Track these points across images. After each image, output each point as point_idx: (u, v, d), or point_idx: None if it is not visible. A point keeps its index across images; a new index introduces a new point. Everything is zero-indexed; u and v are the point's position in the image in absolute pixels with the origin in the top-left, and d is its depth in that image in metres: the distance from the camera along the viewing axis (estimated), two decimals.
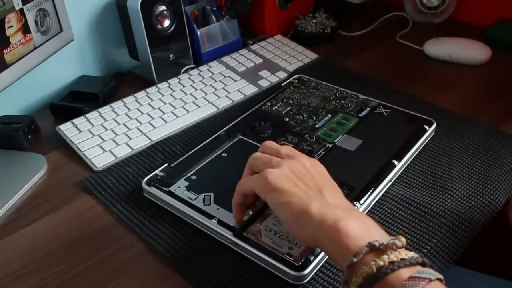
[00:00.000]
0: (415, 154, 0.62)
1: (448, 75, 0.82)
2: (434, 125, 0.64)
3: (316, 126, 0.65)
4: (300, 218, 0.42)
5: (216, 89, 0.77)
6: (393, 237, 0.39)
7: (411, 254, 0.37)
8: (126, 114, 0.72)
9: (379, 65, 0.85)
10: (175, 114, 0.72)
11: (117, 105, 0.74)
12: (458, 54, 0.84)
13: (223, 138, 0.63)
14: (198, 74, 0.81)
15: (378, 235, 0.39)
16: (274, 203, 0.44)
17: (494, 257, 0.93)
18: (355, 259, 0.37)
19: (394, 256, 0.37)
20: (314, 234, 0.41)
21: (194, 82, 0.79)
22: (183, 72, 0.82)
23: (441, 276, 0.36)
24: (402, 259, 0.36)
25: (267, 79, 0.80)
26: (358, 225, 0.40)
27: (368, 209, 0.54)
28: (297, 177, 0.45)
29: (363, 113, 0.67)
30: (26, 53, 0.64)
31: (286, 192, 0.43)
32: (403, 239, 0.38)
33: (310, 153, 0.60)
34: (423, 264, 0.37)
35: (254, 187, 0.46)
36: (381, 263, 0.36)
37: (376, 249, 0.37)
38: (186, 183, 0.56)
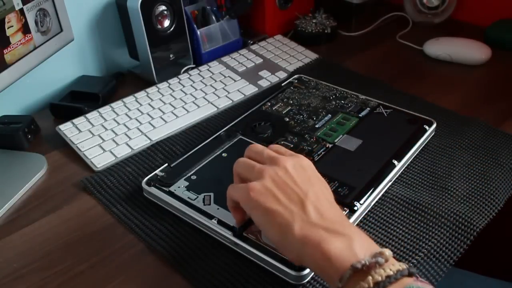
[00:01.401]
0: (415, 154, 0.62)
1: (448, 75, 0.82)
2: (434, 125, 0.64)
3: (316, 126, 0.65)
4: (285, 239, 0.42)
5: (216, 89, 0.77)
6: (377, 252, 0.38)
7: (397, 266, 0.37)
8: (126, 114, 0.72)
9: (379, 65, 0.85)
10: (175, 114, 0.72)
11: (117, 105, 0.74)
12: (458, 54, 0.84)
13: (223, 138, 0.63)
14: (198, 74, 0.81)
15: (362, 252, 0.38)
16: (258, 222, 0.44)
17: (492, 258, 0.93)
18: (340, 284, 0.37)
19: (378, 275, 0.36)
20: (299, 254, 0.41)
21: (194, 82, 0.79)
22: (183, 72, 0.82)
23: (431, 287, 0.36)
24: (387, 276, 0.36)
25: (267, 79, 0.81)
26: (341, 245, 0.39)
27: (368, 209, 0.54)
28: (279, 188, 0.44)
29: (363, 113, 0.67)
30: (26, 53, 0.64)
31: (269, 211, 0.43)
32: (387, 253, 0.37)
33: (310, 153, 0.60)
34: (410, 275, 0.37)
35: (238, 199, 0.46)
36: (366, 285, 0.36)
37: (359, 271, 0.37)
38: (186, 183, 0.56)
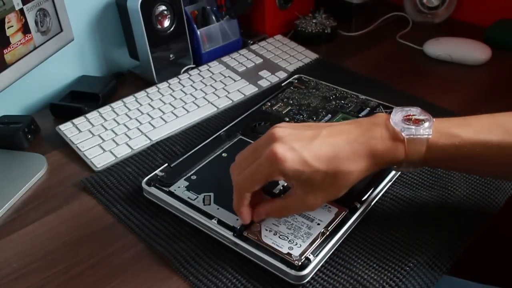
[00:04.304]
0: None
1: (448, 75, 0.82)
2: None
3: None
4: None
5: (216, 89, 0.77)
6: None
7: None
8: (126, 114, 0.72)
9: (379, 65, 0.85)
10: (175, 114, 0.72)
11: (117, 105, 0.74)
12: (458, 54, 0.84)
13: (223, 138, 0.63)
14: (198, 74, 0.81)
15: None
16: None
17: (485, 265, 0.93)
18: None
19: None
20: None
21: (194, 82, 0.79)
22: (183, 72, 0.82)
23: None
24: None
25: (267, 79, 0.81)
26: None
27: (368, 209, 0.54)
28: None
29: (363, 113, 0.67)
30: (26, 53, 0.64)
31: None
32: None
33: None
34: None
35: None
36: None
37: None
38: (186, 183, 0.56)
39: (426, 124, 0.46)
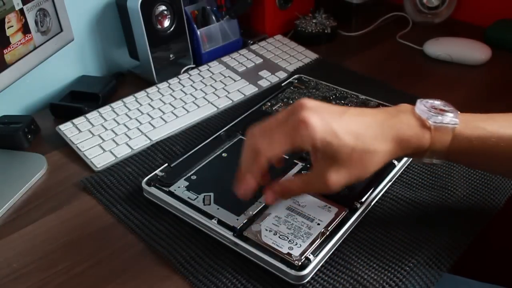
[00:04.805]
0: None
1: (448, 75, 0.82)
2: None
3: None
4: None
5: (216, 89, 0.77)
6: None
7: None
8: (126, 114, 0.72)
9: (379, 65, 0.85)
10: (175, 114, 0.72)
11: (117, 105, 0.74)
12: (458, 54, 0.84)
13: (223, 138, 0.63)
14: (198, 74, 0.81)
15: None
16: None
17: (487, 263, 0.93)
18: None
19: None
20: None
21: (194, 82, 0.79)
22: (183, 72, 0.82)
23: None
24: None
25: (267, 79, 0.80)
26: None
27: (368, 209, 0.54)
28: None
29: None
30: (26, 53, 0.64)
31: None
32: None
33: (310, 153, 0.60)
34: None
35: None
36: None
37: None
38: (186, 183, 0.56)
39: (452, 114, 0.46)
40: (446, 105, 0.47)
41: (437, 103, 0.47)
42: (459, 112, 0.47)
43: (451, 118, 0.45)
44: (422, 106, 0.46)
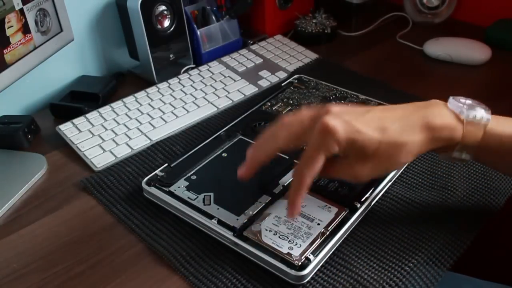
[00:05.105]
0: None
1: (448, 75, 0.82)
2: None
3: None
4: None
5: (216, 89, 0.77)
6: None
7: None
8: (126, 114, 0.72)
9: (379, 65, 0.85)
10: (175, 114, 0.72)
11: (117, 105, 0.74)
12: (458, 54, 0.84)
13: (223, 138, 0.63)
14: (198, 74, 0.81)
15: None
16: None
17: (489, 260, 0.93)
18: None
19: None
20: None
21: (194, 82, 0.79)
22: (183, 72, 0.82)
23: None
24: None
25: (267, 79, 0.80)
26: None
27: (368, 209, 0.54)
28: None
29: None
30: (26, 53, 0.64)
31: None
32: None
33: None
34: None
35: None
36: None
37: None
38: (186, 183, 0.56)
39: (484, 111, 0.46)
40: (478, 104, 0.47)
41: (469, 102, 0.47)
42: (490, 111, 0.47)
43: (483, 114, 0.46)
44: (455, 101, 0.47)
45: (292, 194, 0.45)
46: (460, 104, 0.47)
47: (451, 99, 0.48)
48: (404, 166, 0.60)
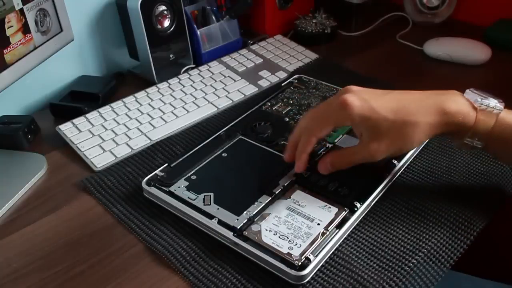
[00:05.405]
0: (415, 154, 0.62)
1: (448, 75, 0.82)
2: None
3: None
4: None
5: (216, 89, 0.77)
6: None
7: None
8: (126, 114, 0.72)
9: (379, 65, 0.85)
10: (175, 114, 0.72)
11: (117, 105, 0.74)
12: (458, 54, 0.84)
13: (223, 138, 0.63)
14: (198, 74, 0.81)
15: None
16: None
17: (489, 259, 0.93)
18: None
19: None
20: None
21: (194, 82, 0.79)
22: (183, 72, 0.82)
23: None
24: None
25: (267, 79, 0.80)
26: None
27: (368, 209, 0.54)
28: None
29: None
30: (26, 53, 0.64)
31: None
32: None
33: (310, 153, 0.60)
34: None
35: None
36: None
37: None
38: (186, 183, 0.56)
39: (496, 101, 0.50)
40: (493, 96, 0.51)
41: (485, 94, 0.51)
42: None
43: (496, 103, 0.49)
44: (471, 92, 0.51)
45: (299, 152, 0.52)
46: (474, 94, 0.51)
47: (468, 90, 0.52)
48: (421, 146, 0.62)
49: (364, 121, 0.48)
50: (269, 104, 0.71)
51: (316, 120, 0.51)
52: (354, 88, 0.50)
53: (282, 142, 0.62)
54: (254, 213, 0.51)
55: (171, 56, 0.83)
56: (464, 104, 0.49)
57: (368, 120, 0.48)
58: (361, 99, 0.48)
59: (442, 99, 0.49)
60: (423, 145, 0.63)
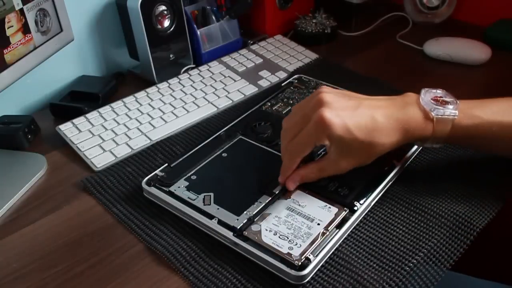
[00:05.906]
0: (415, 154, 0.62)
1: (448, 75, 0.82)
2: None
3: None
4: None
5: (216, 89, 0.77)
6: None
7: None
8: (126, 114, 0.72)
9: (379, 65, 0.85)
10: (175, 114, 0.72)
11: (117, 105, 0.74)
12: (458, 54, 0.84)
13: (223, 138, 0.63)
14: (198, 74, 0.81)
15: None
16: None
17: (488, 260, 0.93)
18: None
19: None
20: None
21: (194, 82, 0.79)
22: (183, 72, 0.82)
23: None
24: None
25: (267, 79, 0.80)
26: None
27: (368, 209, 0.54)
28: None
29: None
30: (26, 53, 0.64)
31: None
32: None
33: (310, 153, 0.60)
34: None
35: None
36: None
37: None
38: (186, 183, 0.56)
39: (452, 106, 0.52)
40: (447, 96, 0.54)
41: (440, 92, 0.54)
42: (458, 101, 0.53)
43: (451, 110, 0.52)
44: (427, 97, 0.53)
45: (285, 172, 0.53)
46: (430, 101, 0.52)
47: (422, 94, 0.53)
48: (421, 146, 0.63)
49: (338, 141, 0.50)
50: (269, 104, 0.71)
51: (298, 143, 0.52)
52: (328, 98, 0.50)
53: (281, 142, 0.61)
54: (254, 213, 0.51)
55: (171, 56, 0.83)
56: (422, 118, 0.52)
57: (342, 140, 0.49)
58: (337, 115, 0.49)
59: (404, 119, 0.51)
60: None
